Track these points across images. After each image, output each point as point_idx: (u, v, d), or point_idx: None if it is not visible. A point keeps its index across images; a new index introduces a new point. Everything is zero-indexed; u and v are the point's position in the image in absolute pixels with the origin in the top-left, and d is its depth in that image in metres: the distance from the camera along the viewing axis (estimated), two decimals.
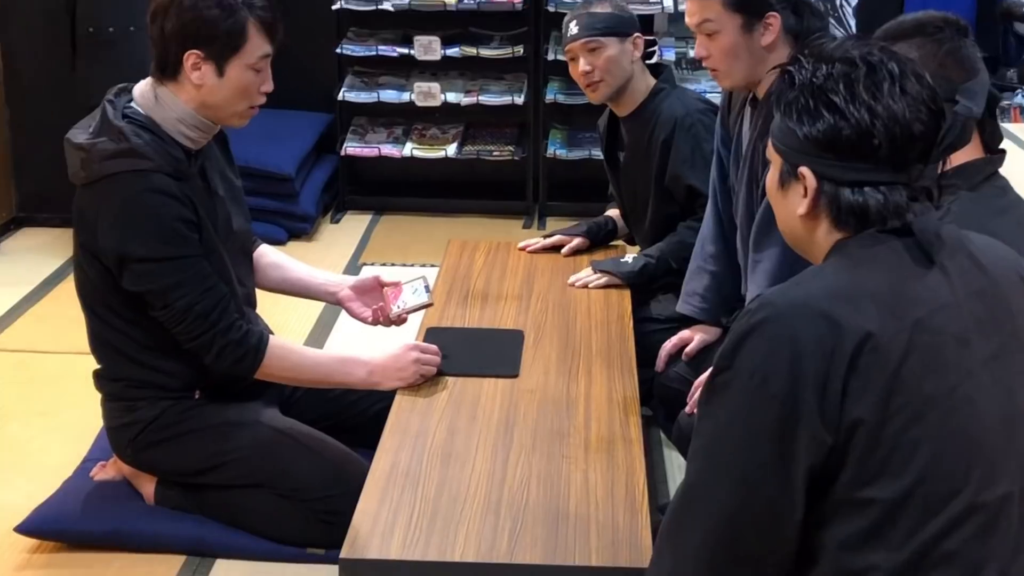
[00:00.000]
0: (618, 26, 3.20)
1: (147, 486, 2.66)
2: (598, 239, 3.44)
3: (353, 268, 4.87)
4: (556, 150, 5.38)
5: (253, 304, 2.68)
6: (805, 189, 1.58)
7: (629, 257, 3.23)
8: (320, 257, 4.89)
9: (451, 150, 5.43)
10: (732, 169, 2.87)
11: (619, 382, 2.56)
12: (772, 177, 1.65)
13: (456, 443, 2.29)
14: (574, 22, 3.23)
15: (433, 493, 2.11)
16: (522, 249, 3.39)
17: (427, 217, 5.53)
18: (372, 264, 4.93)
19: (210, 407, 2.54)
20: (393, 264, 4.89)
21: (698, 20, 2.66)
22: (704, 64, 2.73)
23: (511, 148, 5.48)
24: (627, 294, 3.10)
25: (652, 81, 3.28)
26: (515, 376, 2.58)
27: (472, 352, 2.70)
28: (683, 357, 3.00)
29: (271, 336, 2.47)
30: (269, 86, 2.45)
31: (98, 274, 2.40)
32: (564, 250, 3.36)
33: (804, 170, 1.57)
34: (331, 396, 2.82)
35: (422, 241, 5.20)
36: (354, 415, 2.82)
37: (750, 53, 2.64)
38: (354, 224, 5.48)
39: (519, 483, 2.14)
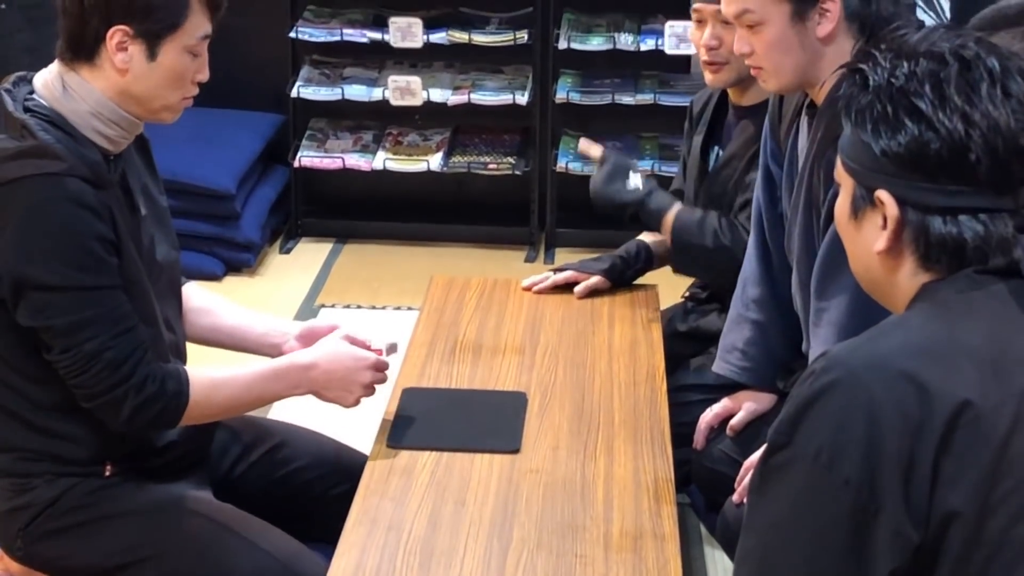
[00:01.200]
0: None
1: None
2: (624, 278, 3.46)
3: (307, 311, 4.90)
4: (569, 163, 5.42)
5: (183, 356, 2.69)
6: (884, 219, 1.60)
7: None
8: (265, 297, 4.93)
9: (435, 162, 5.47)
10: (785, 192, 2.90)
11: (648, 461, 2.56)
12: (842, 204, 1.67)
13: (439, 538, 2.28)
14: None
15: None
16: (527, 289, 3.40)
17: (403, 246, 5.58)
18: (332, 306, 4.97)
19: (125, 487, 2.54)
20: (359, 307, 4.92)
21: (736, 10, 2.69)
22: (747, 63, 2.77)
23: (511, 160, 5.52)
24: (658, 348, 3.11)
25: None
26: (515, 452, 2.58)
27: (460, 420, 2.71)
28: (728, 432, 3.02)
29: (188, 372, 2.48)
30: (205, 74, 2.46)
31: None
32: (578, 289, 3.38)
33: (882, 195, 1.59)
34: (279, 476, 2.82)
35: (396, 277, 5.24)
36: (309, 500, 2.82)
37: (802, 48, 2.67)
38: (310, 254, 5.52)
39: None
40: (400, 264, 5.40)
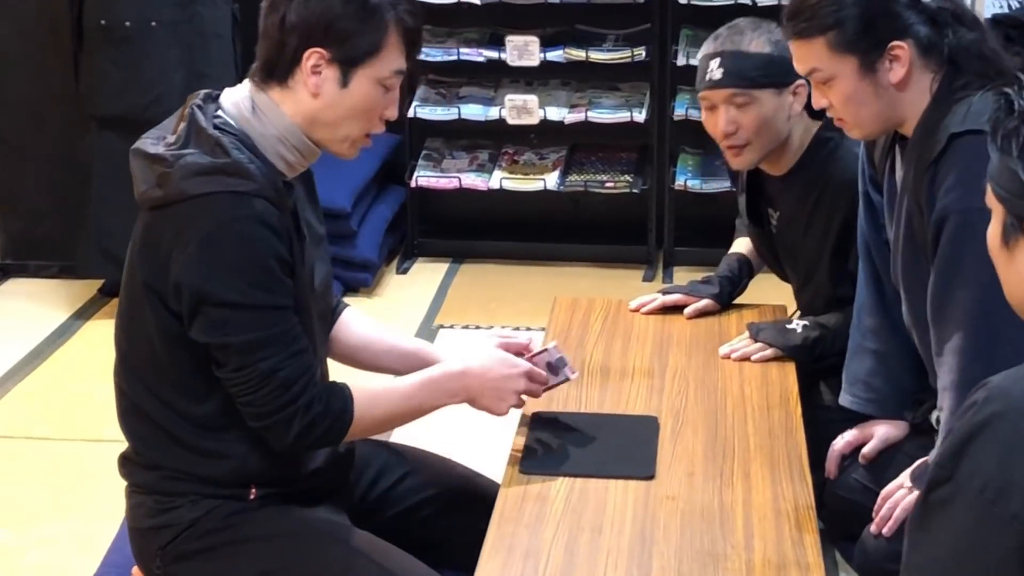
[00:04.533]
0: (777, 74, 3.10)
1: None
2: (732, 297, 3.43)
3: (426, 332, 4.91)
4: (687, 181, 5.40)
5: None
6: None
7: (797, 324, 3.21)
8: (384, 317, 4.92)
9: (551, 180, 5.47)
10: (888, 221, 2.87)
11: (788, 488, 2.53)
12: (993, 230, 1.64)
13: (577, 567, 2.27)
14: (716, 61, 3.13)
15: None
16: (634, 310, 3.39)
17: (519, 266, 5.58)
18: (451, 327, 4.98)
19: (266, 511, 2.55)
20: (477, 327, 4.93)
21: (806, 69, 2.68)
22: (829, 114, 2.76)
23: (628, 178, 5.50)
24: (791, 370, 3.08)
25: (813, 127, 3.22)
26: (650, 478, 2.56)
27: (592, 446, 2.69)
28: (860, 460, 2.98)
29: (349, 387, 2.51)
30: (394, 112, 2.47)
31: (159, 322, 2.44)
32: (688, 311, 3.36)
33: None
34: (410, 504, 2.82)
35: (514, 297, 5.24)
36: (439, 528, 2.81)
37: (878, 97, 2.66)
38: (426, 274, 5.54)
39: None
40: (517, 284, 5.40)
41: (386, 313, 5.03)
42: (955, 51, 2.64)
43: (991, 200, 1.62)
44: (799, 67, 2.71)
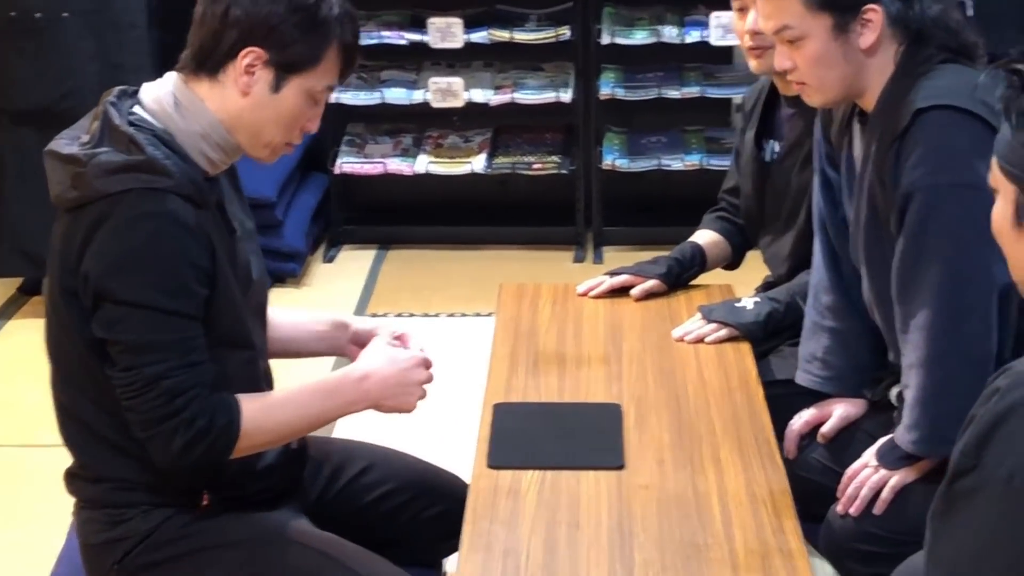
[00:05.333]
0: None
1: None
2: (680, 281, 3.40)
3: None
4: (615, 160, 5.37)
5: (270, 382, 2.64)
6: None
7: (747, 301, 3.19)
8: (314, 307, 4.85)
9: (478, 163, 5.42)
10: (846, 198, 2.85)
11: (760, 472, 2.50)
12: (1003, 211, 1.61)
13: (559, 563, 2.22)
14: None
15: None
16: (583, 294, 3.35)
17: (447, 251, 5.53)
18: (384, 315, 4.91)
19: (223, 517, 2.48)
20: (412, 315, 4.87)
21: (776, 25, 2.64)
22: (789, 78, 2.73)
23: (556, 159, 5.46)
24: (747, 351, 3.05)
25: None
26: (620, 468, 2.53)
27: (559, 436, 2.65)
28: (819, 439, 2.96)
29: (239, 399, 2.41)
30: (315, 126, 2.44)
31: (79, 325, 2.36)
32: (635, 292, 3.32)
33: None
34: (369, 500, 2.76)
35: (446, 283, 5.19)
36: (400, 524, 2.76)
37: (846, 60, 2.63)
38: (353, 262, 5.47)
39: None
40: (447, 270, 5.34)
41: (317, 303, 4.96)
42: (920, 22, 2.62)
43: (998, 180, 1.59)
44: (768, 24, 2.66)
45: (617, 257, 5.30)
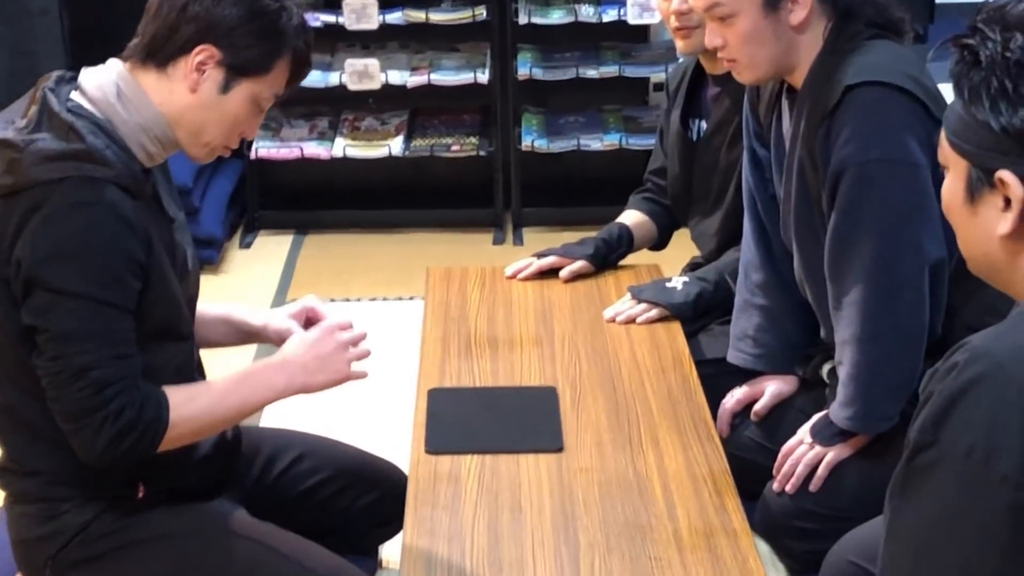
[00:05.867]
0: None
1: None
2: (608, 261, 3.40)
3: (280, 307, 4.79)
4: (534, 141, 5.35)
5: (203, 373, 2.61)
6: (1006, 200, 1.55)
7: (676, 281, 3.20)
8: (234, 294, 4.81)
9: (396, 146, 5.38)
10: (775, 175, 2.86)
11: (699, 452, 2.51)
12: (953, 187, 1.61)
13: (504, 548, 2.21)
14: None
15: None
16: (511, 277, 3.35)
17: (366, 235, 5.49)
18: None
19: (159, 509, 2.44)
20: (332, 300, 4.82)
21: (707, 3, 2.65)
22: (719, 55, 2.74)
23: (474, 140, 5.44)
24: (678, 330, 3.06)
25: None
26: (559, 450, 2.52)
27: (496, 420, 2.64)
28: (752, 417, 2.98)
29: (165, 390, 2.37)
30: (253, 133, 2.43)
31: (10, 313, 2.30)
32: (563, 274, 3.32)
33: (1005, 175, 1.53)
34: (303, 489, 2.74)
35: (365, 268, 5.15)
36: (336, 512, 2.74)
37: (776, 38, 2.64)
38: (271, 248, 5.41)
39: None
40: (366, 254, 5.30)
41: (236, 290, 4.90)
42: (849, 3, 2.63)
43: (949, 156, 1.59)
44: (699, 2, 2.66)
45: (537, 238, 5.29)
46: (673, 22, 3.18)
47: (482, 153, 5.40)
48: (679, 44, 3.24)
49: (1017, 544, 1.42)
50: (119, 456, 2.27)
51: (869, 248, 2.57)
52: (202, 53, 2.30)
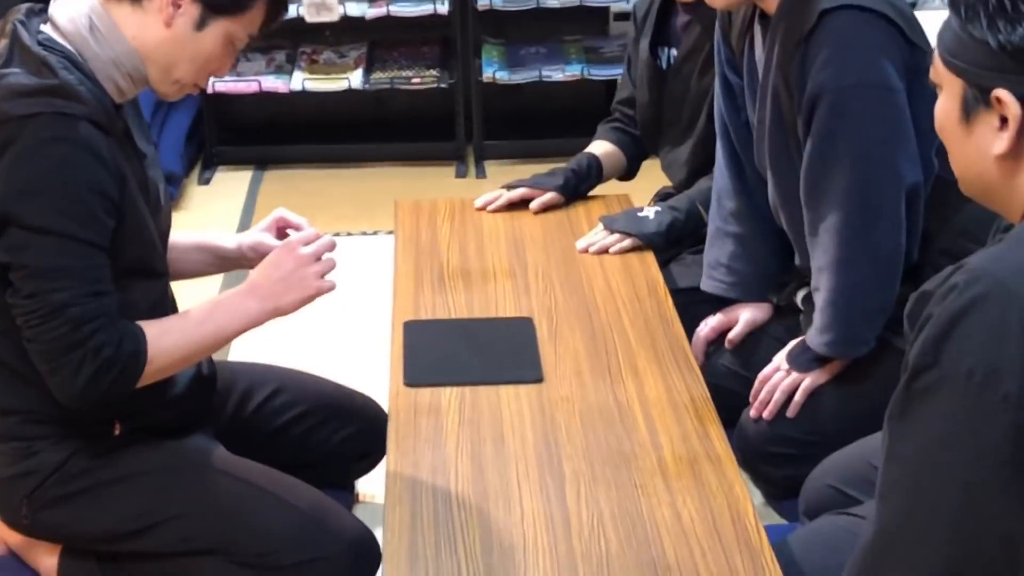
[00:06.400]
0: None
1: (47, 559, 2.53)
2: (578, 192, 3.38)
3: None
4: (495, 72, 5.31)
5: (175, 308, 2.58)
6: (1002, 119, 1.54)
7: (649, 210, 3.18)
8: (194, 230, 4.77)
9: (355, 79, 5.32)
10: (749, 102, 2.85)
11: (678, 379, 2.51)
12: (948, 107, 1.60)
13: (489, 479, 2.21)
14: None
15: (480, 550, 2.04)
16: (480, 208, 3.32)
17: (327, 169, 5.44)
18: None
19: (136, 446, 2.42)
20: None
21: None
22: None
23: (435, 73, 5.39)
24: (651, 259, 3.05)
25: None
26: (539, 381, 2.51)
27: (474, 352, 2.62)
28: (726, 345, 2.98)
29: (140, 325, 2.35)
30: (225, 72, 2.40)
31: None
32: (533, 205, 3.30)
33: (1002, 94, 1.52)
34: (280, 423, 2.73)
35: (328, 203, 5.11)
36: (313, 446, 2.73)
37: None
38: (231, 184, 5.36)
39: (590, 527, 2.07)
40: (328, 188, 5.26)
41: (196, 227, 4.83)
42: None
43: (943, 75, 1.58)
44: None
45: (500, 171, 5.26)
46: None
47: (443, 85, 5.35)
48: None
49: (1018, 464, 1.43)
50: (100, 394, 2.24)
51: (846, 173, 2.56)
52: None
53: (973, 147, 1.58)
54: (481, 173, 5.34)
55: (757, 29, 2.78)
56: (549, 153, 5.04)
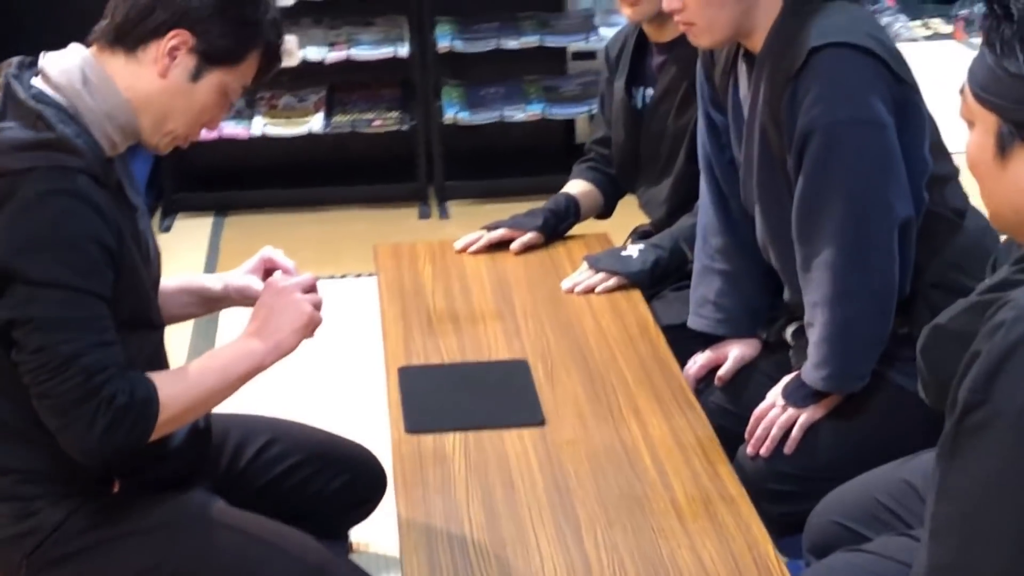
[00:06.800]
0: None
1: None
2: (557, 232, 3.38)
3: None
4: (456, 113, 5.30)
5: (168, 362, 2.54)
6: None
7: (632, 249, 3.18)
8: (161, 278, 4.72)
9: (316, 123, 5.31)
10: (734, 141, 2.85)
11: (681, 419, 2.49)
12: (982, 142, 1.60)
13: (504, 526, 2.18)
14: None
15: None
16: (461, 250, 3.31)
17: (288, 214, 5.42)
18: None
19: (137, 503, 2.37)
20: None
21: None
22: (676, 19, 2.70)
23: (396, 115, 5.38)
24: (639, 298, 3.05)
25: None
26: (541, 424, 2.49)
27: (472, 396, 2.60)
28: (716, 382, 2.97)
29: (150, 375, 2.31)
30: (216, 124, 2.38)
31: None
32: (514, 246, 3.29)
33: None
34: (275, 474, 2.69)
35: (293, 247, 4.96)
36: (308, 496, 2.69)
37: (736, 0, 2.62)
38: (191, 231, 5.33)
39: (611, 572, 2.04)
40: (291, 233, 5.23)
41: (162, 274, 4.80)
42: None
43: (975, 111, 1.58)
44: None
45: (463, 211, 5.25)
46: None
47: (404, 127, 5.35)
48: (627, 12, 3.21)
49: None
50: (116, 445, 2.20)
51: (839, 209, 2.57)
52: (176, 38, 2.24)
53: (1009, 182, 1.58)
54: (444, 214, 5.32)
55: (741, 67, 2.78)
56: (511, 192, 5.05)
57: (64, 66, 2.25)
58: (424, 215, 5.34)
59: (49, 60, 2.27)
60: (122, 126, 2.26)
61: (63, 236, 2.16)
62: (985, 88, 1.56)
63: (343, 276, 4.73)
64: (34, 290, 2.16)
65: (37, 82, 2.24)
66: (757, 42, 2.67)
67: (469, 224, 4.96)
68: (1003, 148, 1.57)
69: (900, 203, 2.59)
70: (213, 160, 5.56)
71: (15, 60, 2.28)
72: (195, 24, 2.25)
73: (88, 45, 2.29)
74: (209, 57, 2.27)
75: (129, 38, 2.25)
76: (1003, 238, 2.45)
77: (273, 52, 2.36)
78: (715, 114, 2.92)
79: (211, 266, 4.94)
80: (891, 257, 2.60)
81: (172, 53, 2.25)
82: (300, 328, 2.37)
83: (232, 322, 3.97)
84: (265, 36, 2.31)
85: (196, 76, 2.27)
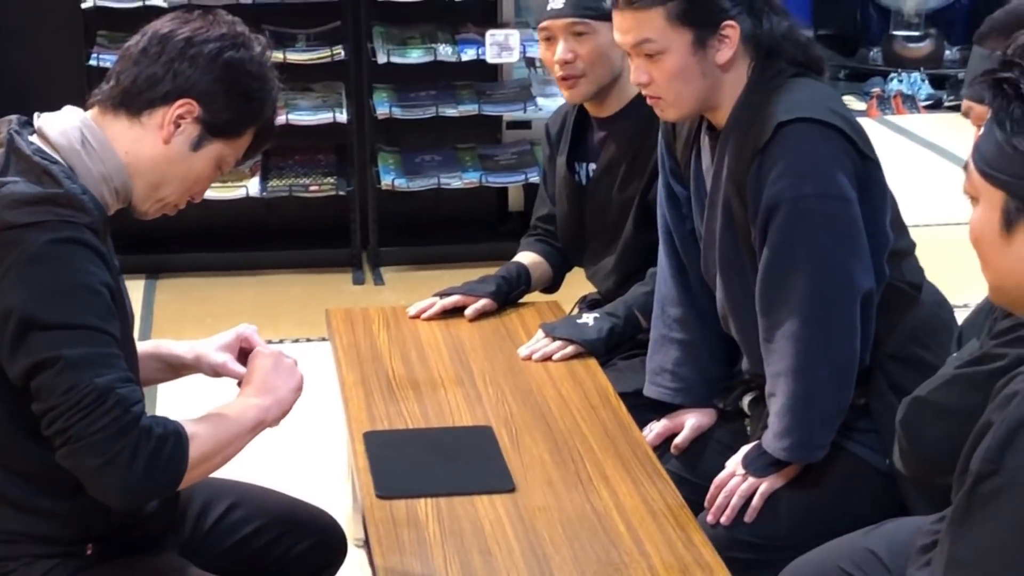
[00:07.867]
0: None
1: None
2: (509, 299, 3.40)
3: None
4: (393, 180, 5.31)
5: None
6: None
7: (588, 317, 3.20)
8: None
9: (253, 187, 5.29)
10: (696, 213, 2.88)
11: (651, 488, 2.51)
12: (986, 219, 1.63)
13: None
14: None
15: None
16: (415, 317, 3.32)
17: (221, 278, 5.38)
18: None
19: (109, 565, 2.34)
20: None
21: (635, 39, 2.66)
22: (644, 92, 2.75)
23: (332, 180, 5.38)
24: (596, 366, 3.06)
25: None
26: (512, 491, 2.49)
27: (441, 463, 2.60)
28: (672, 451, 2.98)
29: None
30: (201, 196, 2.40)
31: None
32: (468, 312, 3.31)
33: None
34: (237, 539, 2.66)
35: (227, 312, 5.03)
36: (271, 562, 2.66)
37: (703, 76, 2.66)
38: None
39: None
40: (225, 296, 5.20)
41: None
42: (771, 38, 2.67)
43: (980, 187, 1.61)
44: (627, 38, 2.65)
45: (397, 277, 5.26)
46: (558, 71, 3.20)
47: (341, 193, 5.34)
48: (566, 94, 3.27)
49: None
50: (158, 479, 2.16)
51: (803, 281, 2.60)
52: (183, 107, 2.25)
53: (1014, 257, 1.61)
54: (379, 279, 5.32)
55: (705, 140, 2.82)
56: (444, 259, 5.07)
57: (63, 127, 2.25)
58: (359, 281, 5.33)
59: (46, 120, 2.26)
60: (117, 188, 2.25)
61: (77, 282, 2.14)
62: (992, 165, 1.60)
63: (281, 340, 4.70)
64: (56, 333, 2.13)
65: (35, 140, 2.23)
66: (722, 116, 2.71)
67: (403, 290, 5.00)
68: (1009, 223, 1.60)
69: (862, 276, 2.63)
70: (145, 222, 5.47)
71: (14, 117, 2.27)
72: (202, 95, 2.26)
73: (87, 107, 2.29)
74: (212, 128, 2.28)
75: (136, 103, 2.25)
76: (962, 315, 2.51)
77: (268, 130, 2.38)
78: (676, 186, 2.95)
79: (145, 329, 4.89)
80: (853, 329, 2.64)
81: (178, 121, 2.25)
82: (295, 388, 2.39)
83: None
84: (266, 114, 2.34)
85: (197, 146, 2.28)
